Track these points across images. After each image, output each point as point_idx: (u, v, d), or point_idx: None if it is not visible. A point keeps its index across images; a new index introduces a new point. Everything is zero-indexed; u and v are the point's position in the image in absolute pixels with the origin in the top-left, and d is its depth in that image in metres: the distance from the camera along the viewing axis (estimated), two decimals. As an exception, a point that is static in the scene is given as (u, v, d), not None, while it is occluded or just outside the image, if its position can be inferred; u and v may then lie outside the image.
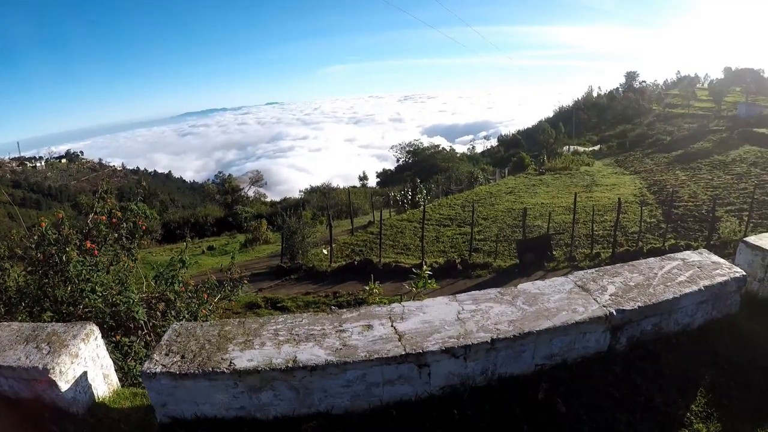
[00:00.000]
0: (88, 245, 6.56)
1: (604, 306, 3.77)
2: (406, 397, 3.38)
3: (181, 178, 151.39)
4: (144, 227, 7.55)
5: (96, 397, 4.29)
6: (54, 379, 3.96)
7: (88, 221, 6.97)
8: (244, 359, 3.28)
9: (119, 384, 4.73)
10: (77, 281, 6.11)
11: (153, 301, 6.55)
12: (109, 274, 6.60)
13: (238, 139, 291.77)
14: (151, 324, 6.14)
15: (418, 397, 3.40)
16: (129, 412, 4.17)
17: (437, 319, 3.57)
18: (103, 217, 6.96)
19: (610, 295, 3.94)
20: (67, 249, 6.20)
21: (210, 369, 3.25)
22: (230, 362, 3.27)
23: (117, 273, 6.80)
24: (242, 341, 3.50)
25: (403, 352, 3.22)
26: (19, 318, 5.87)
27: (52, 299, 6.15)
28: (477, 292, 3.98)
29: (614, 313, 3.70)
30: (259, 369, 3.20)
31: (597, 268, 4.44)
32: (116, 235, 7.07)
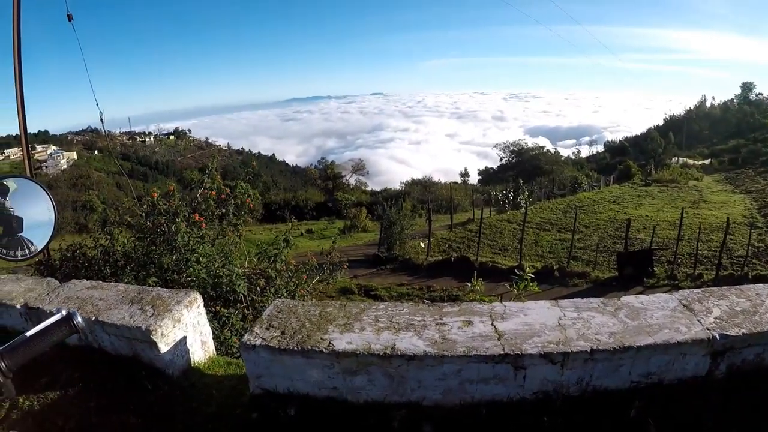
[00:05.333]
0: (197, 218, 6.86)
1: (707, 329, 3.62)
2: (497, 397, 3.35)
3: (284, 161, 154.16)
4: (251, 205, 7.82)
5: (192, 362, 4.46)
6: (155, 340, 4.14)
7: (198, 195, 7.26)
8: (343, 341, 3.35)
9: (215, 352, 4.90)
10: (183, 251, 6.37)
11: (254, 277, 6.74)
12: (214, 247, 6.85)
13: (339, 127, 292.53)
14: (250, 298, 6.33)
15: (509, 399, 3.36)
16: (222, 380, 4.32)
17: (538, 322, 3.52)
18: (213, 193, 7.23)
19: (715, 318, 3.78)
20: (177, 220, 6.48)
21: (309, 347, 3.33)
22: (329, 343, 3.34)
23: (222, 247, 7.06)
24: (342, 324, 3.57)
25: (502, 352, 3.19)
26: (125, 281, 6.14)
27: (158, 266, 6.42)
28: (579, 300, 3.90)
29: (717, 337, 3.54)
30: (357, 352, 3.25)
31: (703, 289, 4.27)
32: (223, 210, 7.35)
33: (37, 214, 1.52)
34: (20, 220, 1.46)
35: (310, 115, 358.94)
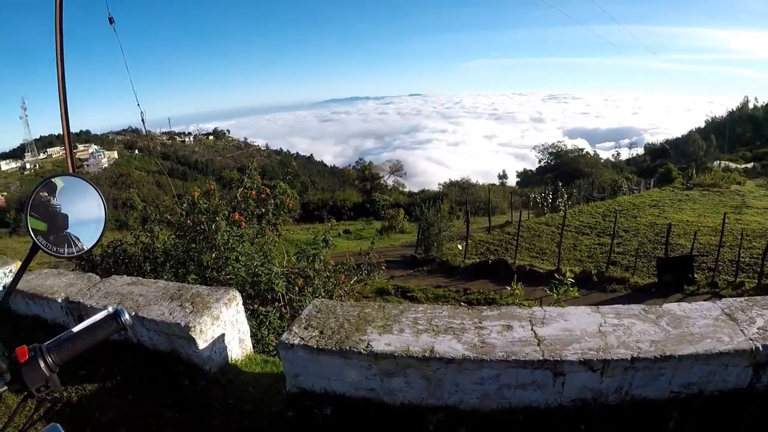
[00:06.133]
0: (237, 217, 6.95)
1: (750, 339, 3.52)
2: (535, 403, 3.32)
3: (322, 161, 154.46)
4: (291, 205, 7.91)
5: (229, 359, 4.52)
6: (194, 336, 4.19)
7: (237, 194, 7.37)
8: (381, 343, 3.35)
9: (252, 349, 4.96)
10: (223, 249, 6.47)
11: (292, 276, 6.78)
12: (253, 246, 6.94)
13: (377, 128, 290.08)
14: (287, 297, 6.37)
15: (547, 405, 3.33)
16: (258, 377, 4.37)
17: (578, 328, 3.47)
18: (253, 192, 7.32)
19: (758, 329, 3.67)
20: (217, 218, 6.57)
21: (347, 348, 3.35)
22: (368, 344, 3.35)
23: (261, 246, 7.14)
24: (381, 325, 3.58)
25: (541, 358, 3.15)
26: (165, 278, 6.25)
27: (197, 263, 6.52)
28: (620, 306, 3.84)
29: (760, 348, 3.46)
30: (396, 354, 3.25)
31: (746, 297, 4.18)
32: (263, 210, 7.44)
33: (86, 213, 1.54)
34: (65, 217, 1.48)
35: (348, 115, 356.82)
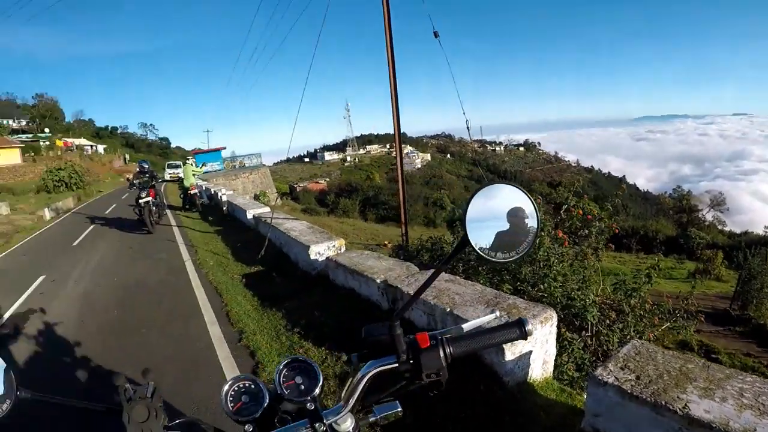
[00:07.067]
0: (560, 234, 7.06)
1: None
2: None
3: (635, 185, 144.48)
4: (617, 230, 7.93)
5: (528, 377, 4.62)
6: (503, 346, 4.41)
7: (561, 212, 7.53)
8: (700, 407, 3.16)
9: (551, 373, 5.02)
10: (542, 265, 6.63)
11: (605, 308, 6.62)
12: (572, 267, 7.01)
13: (696, 151, 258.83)
14: (595, 329, 6.35)
15: None
16: (553, 405, 4.38)
17: None
18: (580, 212, 7.45)
19: None
20: (542, 234, 6.76)
21: (662, 402, 3.22)
22: (686, 404, 3.19)
23: (579, 269, 7.12)
24: (703, 387, 3.38)
25: None
26: (481, 281, 6.57)
27: (513, 274, 6.79)
28: None
29: None
30: (713, 426, 3.03)
31: None
32: (586, 231, 7.49)
33: (515, 222, 1.34)
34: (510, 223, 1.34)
35: (664, 135, 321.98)
